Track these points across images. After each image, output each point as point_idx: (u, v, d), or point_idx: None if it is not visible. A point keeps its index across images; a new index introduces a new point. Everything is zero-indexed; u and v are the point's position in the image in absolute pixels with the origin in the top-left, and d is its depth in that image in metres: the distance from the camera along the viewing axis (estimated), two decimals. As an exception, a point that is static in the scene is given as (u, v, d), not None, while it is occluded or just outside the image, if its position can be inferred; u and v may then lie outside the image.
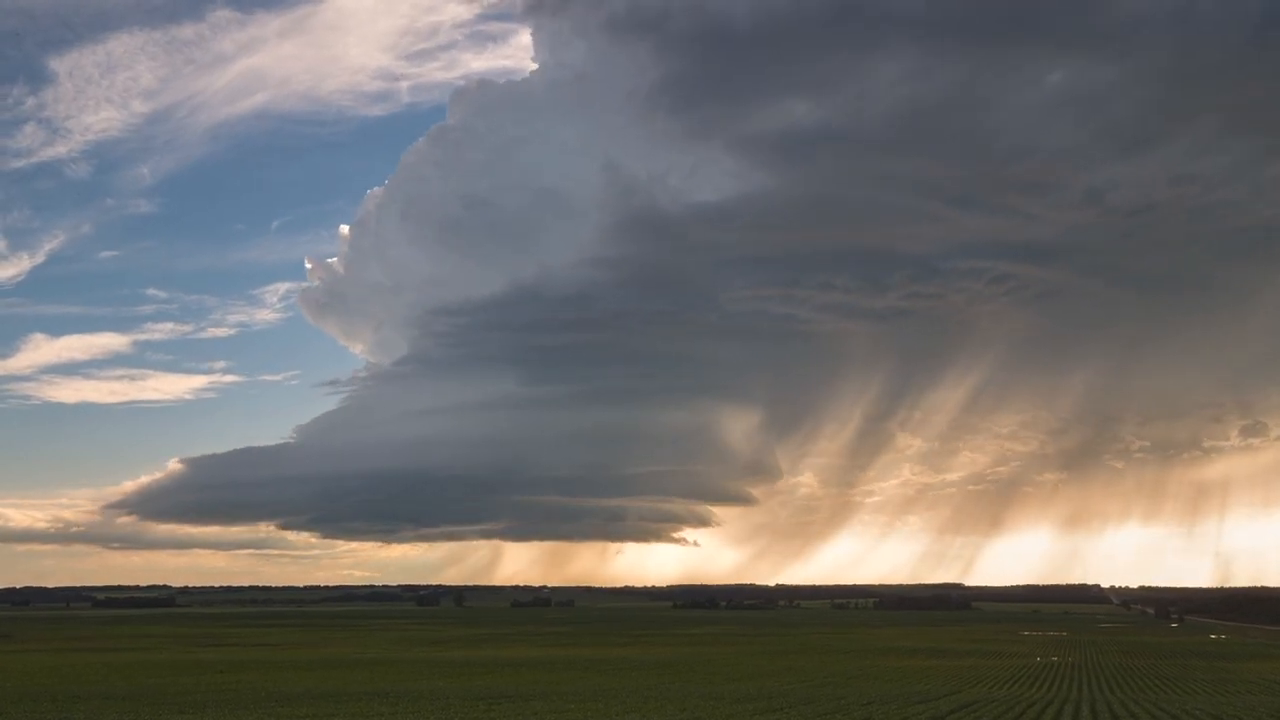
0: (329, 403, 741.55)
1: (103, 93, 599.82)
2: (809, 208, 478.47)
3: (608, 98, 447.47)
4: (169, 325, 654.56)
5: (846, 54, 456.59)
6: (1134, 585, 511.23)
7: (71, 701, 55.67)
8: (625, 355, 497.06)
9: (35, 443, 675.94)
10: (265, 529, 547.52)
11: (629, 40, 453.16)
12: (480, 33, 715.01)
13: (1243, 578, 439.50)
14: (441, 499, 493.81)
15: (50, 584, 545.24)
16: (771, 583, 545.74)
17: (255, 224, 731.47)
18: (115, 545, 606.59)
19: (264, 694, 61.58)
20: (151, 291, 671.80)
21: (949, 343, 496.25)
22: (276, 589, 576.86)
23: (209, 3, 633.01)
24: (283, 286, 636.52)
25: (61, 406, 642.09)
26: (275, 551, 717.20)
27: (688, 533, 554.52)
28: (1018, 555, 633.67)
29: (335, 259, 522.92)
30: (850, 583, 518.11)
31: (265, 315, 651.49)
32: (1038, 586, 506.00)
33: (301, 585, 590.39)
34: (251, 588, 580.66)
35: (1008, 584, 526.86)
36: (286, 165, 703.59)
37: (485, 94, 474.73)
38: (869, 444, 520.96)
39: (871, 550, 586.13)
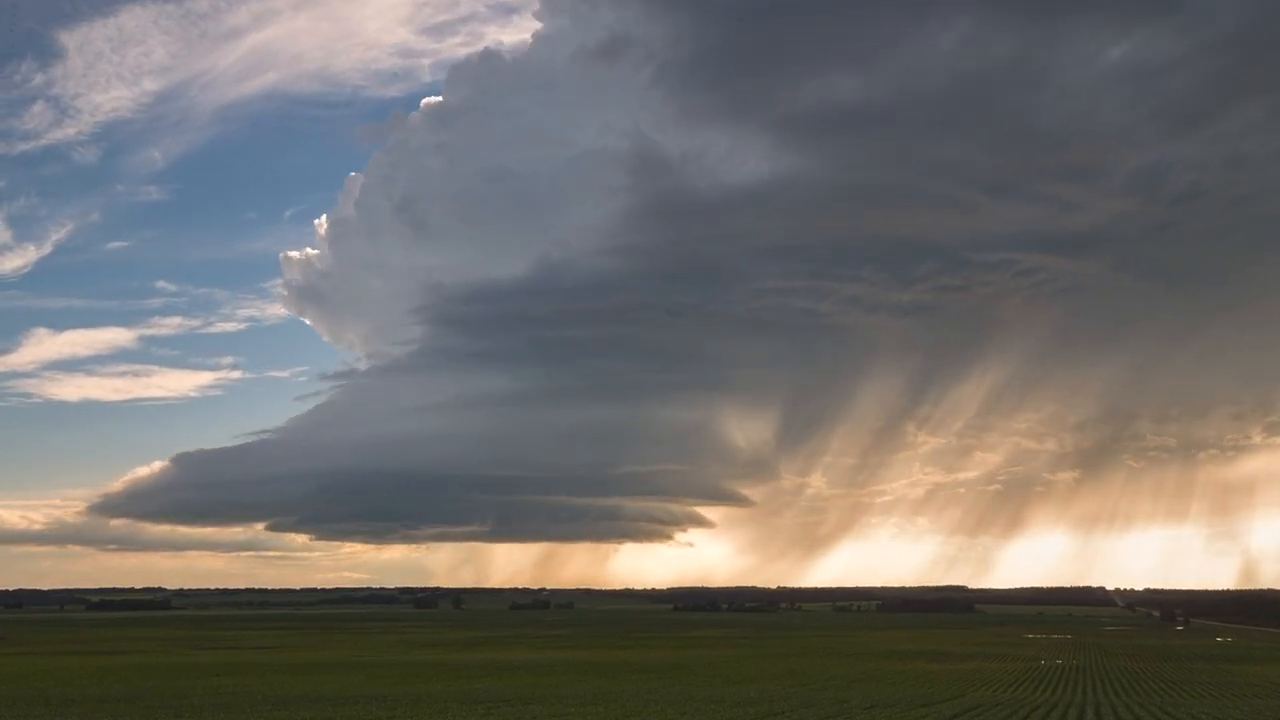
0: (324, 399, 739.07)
1: (113, 69, 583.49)
2: (842, 193, 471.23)
3: (638, 70, 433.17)
4: (177, 320, 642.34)
5: (897, 24, 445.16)
6: (1139, 588, 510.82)
7: (66, 705, 55.66)
8: (635, 349, 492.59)
9: (33, 441, 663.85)
10: (258, 530, 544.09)
11: (665, 7, 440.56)
12: (504, 4, 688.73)
13: (1267, 579, 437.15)
14: (436, 499, 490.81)
15: (44, 586, 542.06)
16: (773, 585, 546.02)
17: (268, 212, 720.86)
18: (111, 547, 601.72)
19: (260, 697, 61.56)
20: (160, 284, 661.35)
21: (971, 338, 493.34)
22: (273, 591, 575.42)
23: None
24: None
25: (62, 405, 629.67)
26: (271, 553, 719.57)
27: (689, 533, 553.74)
28: (1031, 557, 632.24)
29: (314, 250, 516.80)
30: (854, 585, 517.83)
31: (277, 309, 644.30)
32: (1041, 589, 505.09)
33: (298, 588, 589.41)
34: (248, 590, 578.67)
35: (1012, 586, 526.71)
36: (301, 149, 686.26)
37: (489, 68, 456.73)
38: (882, 443, 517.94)
39: (881, 552, 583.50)
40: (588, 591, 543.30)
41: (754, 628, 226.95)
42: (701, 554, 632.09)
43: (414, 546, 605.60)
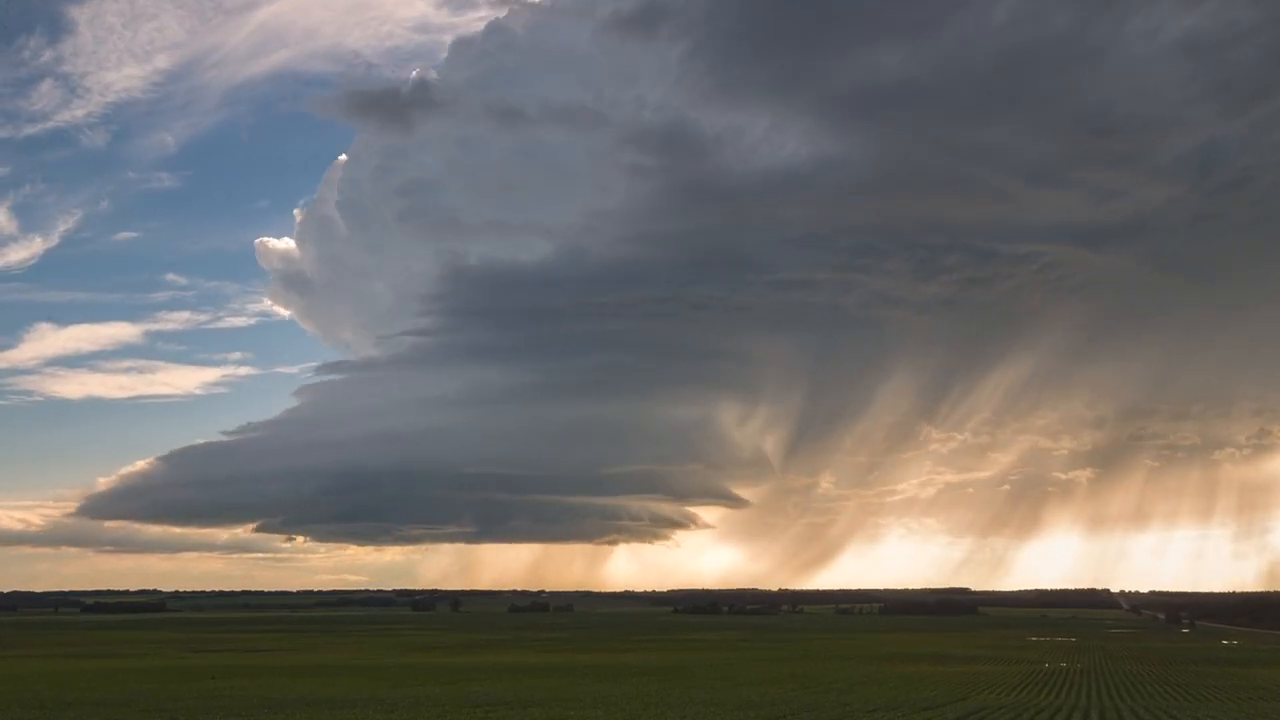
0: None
1: (125, 45, 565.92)
2: (879, 179, 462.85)
3: (674, 43, 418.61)
4: (185, 315, 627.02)
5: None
6: (1144, 590, 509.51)
7: (60, 709, 55.67)
8: (643, 343, 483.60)
9: (32, 440, 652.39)
10: (252, 530, 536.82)
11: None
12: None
13: None
14: (434, 500, 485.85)
15: (38, 588, 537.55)
16: (774, 587, 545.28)
17: (280, 201, 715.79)
18: (106, 549, 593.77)
19: (256, 701, 61.55)
20: (170, 277, 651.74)
21: (991, 334, 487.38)
22: (269, 593, 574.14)
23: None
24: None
25: (64, 402, 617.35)
26: (266, 555, 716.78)
27: (691, 534, 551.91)
28: (1041, 558, 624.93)
29: (290, 240, 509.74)
30: (856, 588, 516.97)
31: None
32: (1046, 591, 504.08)
33: (295, 590, 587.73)
34: (244, 592, 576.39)
35: (1016, 588, 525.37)
36: (315, 134, 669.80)
37: (495, 41, 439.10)
38: (894, 442, 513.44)
39: (889, 554, 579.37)
40: (587, 594, 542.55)
41: (755, 630, 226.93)
42: (703, 555, 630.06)
43: (411, 548, 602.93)
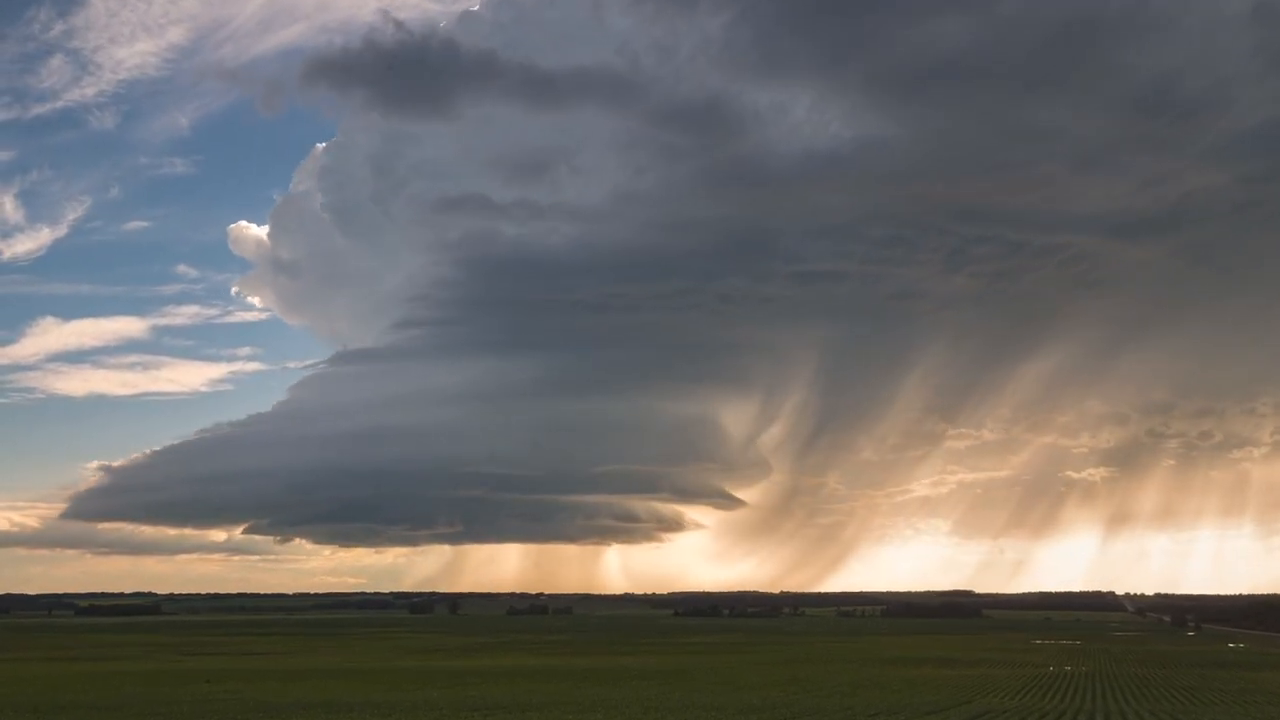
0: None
1: (138, 18, 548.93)
2: (919, 163, 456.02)
3: (717, 11, 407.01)
4: (193, 309, 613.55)
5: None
6: (1149, 592, 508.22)
7: (54, 713, 55.68)
8: (647, 337, 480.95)
9: (32, 439, 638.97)
10: (243, 534, 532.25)
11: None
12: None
13: None
14: (431, 501, 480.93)
15: (32, 590, 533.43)
16: (775, 590, 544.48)
17: None
18: (100, 550, 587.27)
19: (252, 704, 61.54)
20: (181, 269, 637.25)
21: (1012, 330, 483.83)
22: (265, 596, 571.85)
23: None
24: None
25: (67, 400, 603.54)
26: (262, 557, 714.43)
27: (692, 535, 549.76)
28: (1051, 560, 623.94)
29: (264, 229, 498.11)
30: (858, 590, 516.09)
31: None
32: (1050, 593, 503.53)
33: (291, 592, 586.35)
34: (239, 595, 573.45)
35: (1021, 591, 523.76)
36: (334, 114, 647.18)
37: (512, 11, 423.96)
38: (906, 441, 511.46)
39: (897, 556, 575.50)
40: (586, 596, 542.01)
41: (756, 633, 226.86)
42: (704, 556, 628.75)
43: (409, 549, 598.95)
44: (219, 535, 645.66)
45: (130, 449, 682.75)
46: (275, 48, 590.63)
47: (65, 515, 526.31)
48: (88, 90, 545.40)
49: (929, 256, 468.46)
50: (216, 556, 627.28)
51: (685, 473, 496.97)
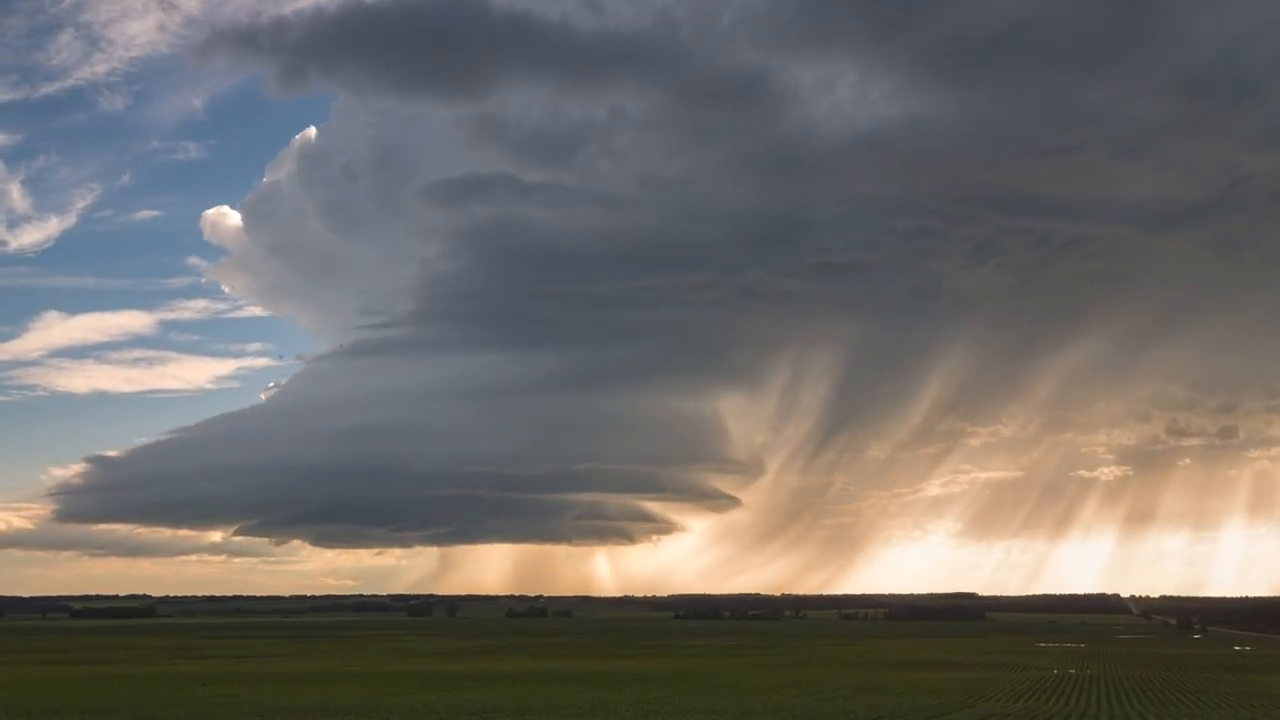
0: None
1: None
2: (961, 144, 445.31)
3: None
4: (202, 303, 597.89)
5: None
6: (1155, 594, 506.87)
7: (48, 716, 55.75)
8: (647, 332, 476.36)
9: (33, 437, 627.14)
10: (248, 538, 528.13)
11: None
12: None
13: None
14: (429, 501, 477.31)
15: (25, 592, 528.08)
16: (777, 592, 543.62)
17: None
18: (88, 551, 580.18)
19: (248, 708, 61.62)
20: (192, 260, 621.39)
21: (1038, 325, 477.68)
22: (261, 598, 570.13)
23: None
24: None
25: (69, 397, 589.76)
26: (262, 559, 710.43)
27: (694, 534, 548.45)
28: (1061, 561, 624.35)
29: (237, 215, 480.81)
30: (860, 592, 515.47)
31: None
32: (1054, 596, 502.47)
33: (287, 594, 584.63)
34: (235, 597, 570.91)
35: (1024, 594, 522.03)
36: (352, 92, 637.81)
37: None
38: (918, 441, 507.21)
39: (904, 558, 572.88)
40: (586, 598, 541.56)
41: (757, 636, 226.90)
42: (704, 557, 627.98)
43: (408, 550, 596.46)
44: (213, 536, 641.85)
45: (119, 446, 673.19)
46: (294, 12, 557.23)
47: (55, 516, 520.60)
48: (98, 68, 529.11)
49: (956, 249, 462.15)
50: (212, 558, 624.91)
51: (685, 473, 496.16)
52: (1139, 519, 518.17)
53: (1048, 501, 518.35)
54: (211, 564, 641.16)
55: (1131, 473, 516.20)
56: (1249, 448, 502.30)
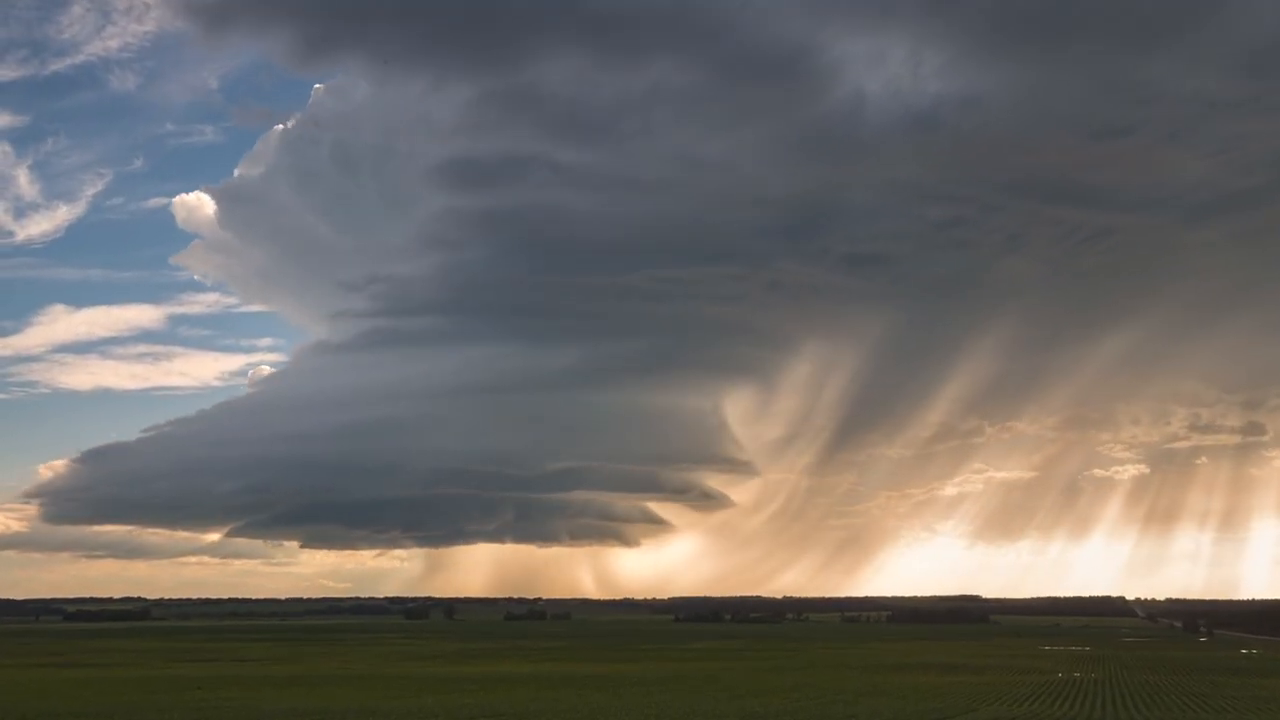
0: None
1: None
2: (1011, 125, 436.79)
3: None
4: (212, 296, 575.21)
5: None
6: (1160, 597, 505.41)
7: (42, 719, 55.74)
8: (649, 329, 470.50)
9: (33, 436, 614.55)
10: (244, 539, 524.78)
11: None
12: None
13: None
14: (427, 501, 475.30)
15: (19, 595, 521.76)
16: (779, 594, 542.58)
17: None
18: (81, 553, 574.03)
19: (245, 711, 61.69)
20: None
21: (1065, 319, 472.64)
22: (256, 600, 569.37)
23: None
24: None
25: (71, 395, 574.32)
26: (262, 561, 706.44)
27: (695, 535, 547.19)
28: (1067, 564, 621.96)
29: (211, 202, 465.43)
30: (863, 595, 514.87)
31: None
32: (1058, 598, 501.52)
33: (284, 596, 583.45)
34: (230, 599, 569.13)
35: (1028, 596, 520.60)
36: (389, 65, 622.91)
37: None
38: (933, 440, 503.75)
39: (911, 559, 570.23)
40: (585, 601, 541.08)
41: (759, 639, 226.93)
42: (703, 558, 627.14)
43: (405, 551, 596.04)
44: (210, 538, 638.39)
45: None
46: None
47: (41, 515, 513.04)
48: (110, 43, 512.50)
49: (985, 239, 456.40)
50: (208, 559, 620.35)
51: (691, 473, 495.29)
52: (1147, 520, 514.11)
53: (1061, 502, 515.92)
54: (208, 565, 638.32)
55: (1148, 471, 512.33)
56: (1268, 447, 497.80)
